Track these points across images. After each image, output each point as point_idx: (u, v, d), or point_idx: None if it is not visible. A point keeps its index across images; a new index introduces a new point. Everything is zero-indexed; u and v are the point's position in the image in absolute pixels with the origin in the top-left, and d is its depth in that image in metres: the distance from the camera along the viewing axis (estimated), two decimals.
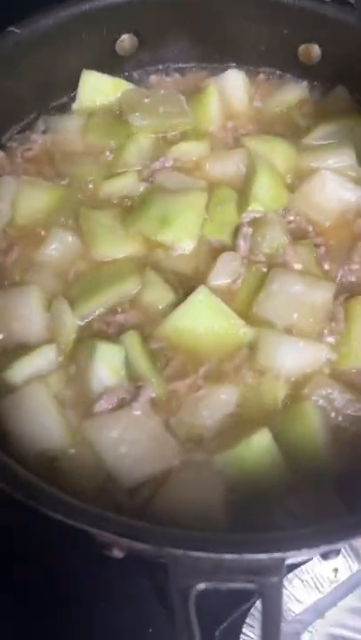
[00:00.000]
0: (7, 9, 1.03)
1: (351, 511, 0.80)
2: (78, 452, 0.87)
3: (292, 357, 0.92)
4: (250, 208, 1.05)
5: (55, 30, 1.05)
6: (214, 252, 1.04)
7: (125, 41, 1.16)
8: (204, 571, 0.62)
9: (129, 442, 0.86)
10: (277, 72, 1.24)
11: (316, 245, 1.04)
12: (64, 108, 1.19)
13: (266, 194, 1.06)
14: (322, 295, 0.97)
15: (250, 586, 0.64)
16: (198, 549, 0.59)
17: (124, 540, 0.62)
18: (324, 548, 0.67)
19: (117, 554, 0.69)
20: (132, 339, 0.93)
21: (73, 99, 1.19)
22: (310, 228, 1.07)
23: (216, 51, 1.23)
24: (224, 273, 1.01)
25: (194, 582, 0.62)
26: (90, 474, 0.86)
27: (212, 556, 0.59)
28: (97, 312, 0.97)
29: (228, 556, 0.60)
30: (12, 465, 0.70)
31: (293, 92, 1.22)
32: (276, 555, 0.63)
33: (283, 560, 0.64)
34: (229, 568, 0.61)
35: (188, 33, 1.18)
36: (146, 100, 1.17)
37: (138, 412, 0.88)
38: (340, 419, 0.90)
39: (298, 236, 1.06)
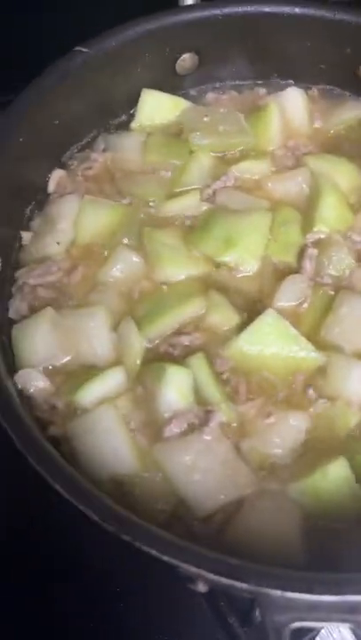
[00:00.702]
0: (75, 28, 1.03)
1: None
2: (149, 477, 0.86)
3: None
4: (315, 229, 1.04)
5: (120, 50, 1.05)
6: (279, 274, 1.03)
7: (186, 60, 1.16)
8: (300, 609, 0.61)
9: (201, 468, 0.85)
10: (339, 90, 1.23)
11: None
12: (123, 127, 1.19)
13: (331, 214, 1.05)
14: None
15: (344, 624, 0.63)
16: (298, 590, 0.58)
17: (216, 577, 0.61)
18: None
19: (202, 588, 0.68)
20: (199, 361, 0.92)
21: (131, 117, 1.18)
22: None
23: (274, 68, 1.22)
24: (290, 295, 0.99)
25: (289, 621, 0.60)
26: (161, 500, 0.85)
27: (313, 597, 0.57)
28: (163, 334, 0.96)
29: (328, 598, 0.58)
30: (103, 499, 0.69)
31: (354, 111, 1.21)
32: None
33: None
34: (327, 608, 0.59)
35: (247, 51, 1.18)
36: (205, 119, 1.17)
37: (209, 437, 0.87)
38: None
39: None
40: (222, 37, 1.14)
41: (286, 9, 1.10)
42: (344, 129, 1.21)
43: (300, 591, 0.57)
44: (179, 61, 1.15)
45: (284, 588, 0.58)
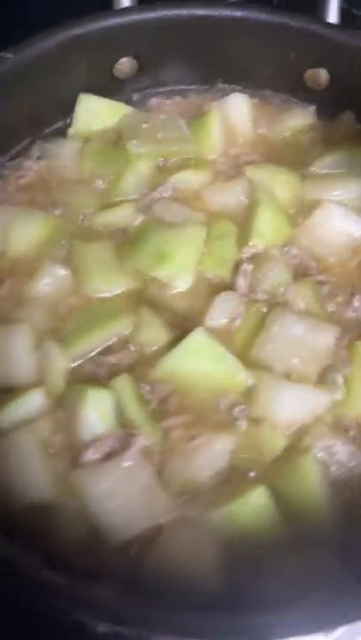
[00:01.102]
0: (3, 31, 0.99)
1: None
2: (66, 504, 0.83)
3: (292, 405, 0.88)
4: (250, 243, 1.01)
5: (50, 55, 1.01)
6: (213, 289, 1.00)
7: (124, 64, 1.12)
8: None
9: (119, 496, 0.82)
10: (284, 96, 1.20)
11: (320, 283, 1.00)
12: (60, 134, 1.15)
13: (267, 228, 1.02)
14: (324, 338, 0.92)
15: None
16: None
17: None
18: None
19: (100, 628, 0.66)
20: (123, 383, 0.89)
21: (69, 124, 1.14)
22: (314, 264, 1.02)
23: (220, 73, 1.18)
24: (222, 313, 0.96)
25: None
26: (77, 528, 0.82)
27: None
28: (89, 353, 0.93)
29: None
30: None
31: (300, 118, 1.18)
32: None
33: None
34: None
35: (189, 55, 1.14)
36: (145, 126, 1.13)
37: (129, 463, 0.84)
38: (342, 471, 0.85)
39: (301, 272, 1.01)
40: (160, 41, 1.10)
41: (226, 12, 1.06)
42: (290, 136, 1.17)
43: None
44: (116, 65, 1.11)
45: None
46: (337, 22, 1.25)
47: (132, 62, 1.12)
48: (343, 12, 1.28)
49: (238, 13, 1.06)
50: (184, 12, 1.03)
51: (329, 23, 1.21)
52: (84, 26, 1.01)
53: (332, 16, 1.25)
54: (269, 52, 1.11)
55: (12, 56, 0.97)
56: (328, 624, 0.68)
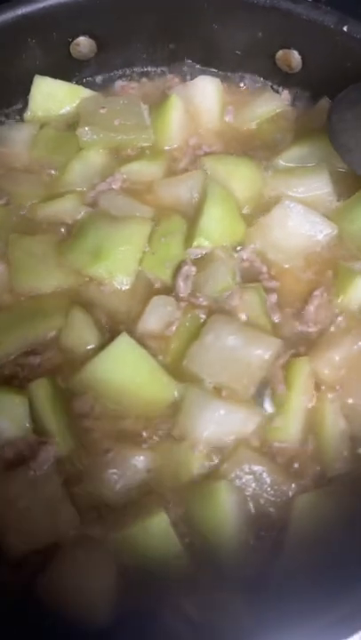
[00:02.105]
0: None
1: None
2: None
3: (214, 425, 0.80)
4: (195, 243, 0.93)
5: None
6: (154, 292, 0.93)
7: (81, 44, 1.04)
8: None
9: (21, 507, 0.78)
10: (257, 80, 1.09)
11: (268, 291, 0.91)
12: (16, 117, 1.10)
13: (215, 227, 0.93)
14: (260, 354, 0.84)
15: None
16: None
17: None
18: None
19: None
20: (40, 388, 0.84)
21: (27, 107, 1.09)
22: (265, 269, 0.93)
23: (187, 54, 1.08)
24: (156, 318, 0.89)
25: None
26: None
27: None
28: (12, 353, 0.89)
29: None
30: None
31: (271, 104, 1.07)
32: None
33: None
34: None
35: (152, 34, 1.05)
36: (102, 111, 1.05)
37: (35, 473, 0.80)
38: (261, 503, 0.78)
39: (249, 277, 0.93)
40: (120, 19, 1.01)
41: None
42: (259, 125, 1.07)
43: None
44: (73, 45, 1.04)
45: None
46: None
47: (90, 42, 1.04)
48: None
49: None
50: None
51: None
52: (30, 4, 0.94)
53: None
54: (236, 31, 1.00)
55: None
56: None
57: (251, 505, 0.77)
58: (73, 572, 0.75)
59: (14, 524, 0.77)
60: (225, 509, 0.75)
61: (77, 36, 1.03)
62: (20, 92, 1.08)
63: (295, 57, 1.00)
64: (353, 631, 0.64)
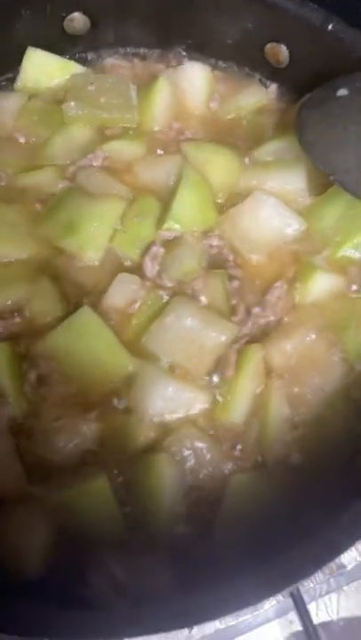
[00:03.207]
0: None
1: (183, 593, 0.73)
2: None
3: (162, 401, 0.84)
4: (165, 226, 0.95)
5: None
6: (121, 269, 0.95)
7: (75, 20, 1.05)
8: None
9: None
10: (246, 71, 1.11)
11: (231, 278, 0.93)
12: (7, 86, 1.11)
13: (186, 212, 0.95)
14: (215, 337, 0.87)
15: None
16: None
17: None
18: None
19: None
20: (0, 351, 0.87)
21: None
22: (231, 257, 0.95)
23: (180, 39, 1.10)
24: (120, 294, 0.92)
25: None
26: None
27: None
28: None
29: None
30: None
31: (257, 96, 1.09)
32: None
33: None
34: None
35: (147, 16, 1.06)
36: (90, 87, 1.06)
37: None
38: (199, 477, 0.81)
39: (216, 264, 0.95)
40: None
41: None
42: (243, 116, 1.08)
43: None
44: (66, 21, 1.05)
45: None
46: None
47: (84, 19, 1.06)
48: None
49: None
50: None
51: None
52: None
53: None
54: (228, 20, 1.02)
55: None
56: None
57: (189, 479, 0.81)
58: (9, 526, 0.78)
59: None
60: (162, 480, 0.79)
61: (72, 11, 1.04)
62: (12, 62, 1.09)
63: (283, 51, 1.02)
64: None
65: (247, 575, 0.69)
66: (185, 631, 0.93)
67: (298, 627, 1.00)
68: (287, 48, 1.01)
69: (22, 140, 1.05)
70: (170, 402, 0.84)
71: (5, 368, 0.86)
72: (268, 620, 0.99)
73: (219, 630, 0.93)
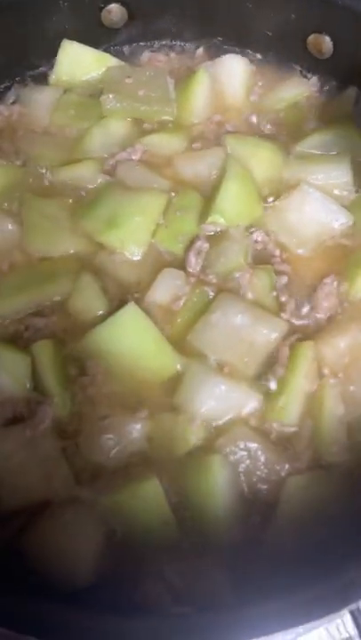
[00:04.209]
0: None
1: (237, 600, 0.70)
2: None
3: (213, 401, 0.81)
4: (210, 220, 0.92)
5: None
6: (164, 264, 0.93)
7: (113, 12, 1.04)
8: None
9: (16, 462, 0.78)
10: (286, 63, 1.08)
11: (279, 273, 0.91)
12: (42, 80, 1.09)
13: (231, 206, 0.93)
14: (266, 334, 0.84)
15: None
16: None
17: None
18: None
19: None
20: (43, 349, 0.84)
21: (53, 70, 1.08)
22: (277, 253, 0.93)
23: (218, 31, 1.08)
24: (165, 290, 0.89)
25: None
26: None
27: None
28: (19, 312, 0.88)
29: None
30: None
31: (298, 88, 1.07)
32: None
33: None
34: None
35: (185, 8, 1.05)
36: (128, 80, 1.05)
37: (32, 432, 0.80)
38: (253, 480, 0.78)
39: (261, 259, 0.93)
40: None
41: None
42: (284, 109, 1.06)
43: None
44: (104, 12, 1.03)
45: None
46: None
47: (122, 10, 1.04)
48: None
49: None
50: None
51: None
52: None
53: None
54: (269, 11, 1.00)
55: None
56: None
57: (243, 480, 0.77)
58: (59, 531, 0.75)
59: (8, 479, 0.77)
60: (217, 483, 0.75)
61: (110, 2, 1.02)
62: (47, 55, 1.07)
63: (327, 42, 1.00)
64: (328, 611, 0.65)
65: (302, 588, 0.65)
66: None
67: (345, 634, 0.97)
68: (331, 39, 0.99)
69: (59, 134, 1.03)
70: (221, 401, 0.81)
71: (49, 366, 0.83)
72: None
73: None
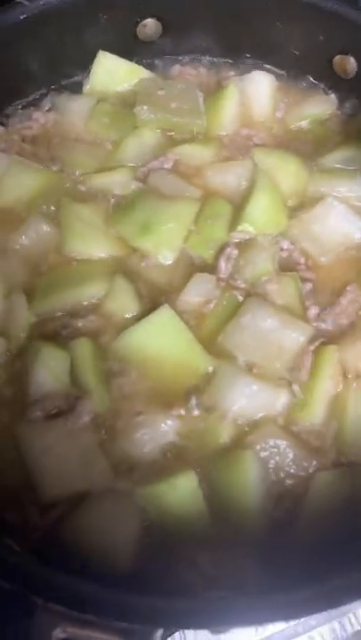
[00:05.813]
0: None
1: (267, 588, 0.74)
2: (4, 453, 0.84)
3: (244, 399, 0.85)
4: (240, 228, 0.97)
5: (67, 7, 0.99)
6: (194, 269, 0.97)
7: (148, 26, 1.08)
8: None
9: (57, 455, 0.82)
10: (311, 81, 1.14)
11: (304, 280, 0.96)
12: (76, 89, 1.14)
13: (260, 215, 0.98)
14: (294, 337, 0.89)
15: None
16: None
17: None
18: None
19: None
20: (81, 347, 0.88)
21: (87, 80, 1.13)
22: (302, 260, 0.98)
23: (247, 48, 1.13)
24: (196, 293, 0.94)
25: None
26: (11, 477, 0.82)
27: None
28: (56, 312, 0.92)
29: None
30: None
31: (322, 106, 1.12)
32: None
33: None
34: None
35: (216, 25, 1.09)
36: (160, 92, 1.09)
37: (72, 425, 0.84)
38: (281, 475, 0.83)
39: (287, 267, 0.98)
40: (188, 6, 1.06)
41: None
42: (308, 124, 1.12)
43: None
44: (140, 27, 1.08)
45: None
46: None
47: (157, 25, 1.08)
48: None
49: None
50: None
51: None
52: None
53: None
54: (297, 31, 1.05)
55: (27, 3, 0.95)
56: (226, 624, 0.67)
57: (272, 476, 0.82)
58: (98, 521, 0.79)
59: (49, 470, 0.81)
60: (249, 476, 0.80)
61: (146, 17, 1.07)
62: (82, 65, 1.12)
63: (351, 63, 1.05)
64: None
65: (328, 576, 0.70)
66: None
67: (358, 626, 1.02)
68: (355, 60, 1.04)
69: (93, 142, 1.07)
70: (252, 400, 0.85)
71: (88, 363, 0.88)
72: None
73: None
